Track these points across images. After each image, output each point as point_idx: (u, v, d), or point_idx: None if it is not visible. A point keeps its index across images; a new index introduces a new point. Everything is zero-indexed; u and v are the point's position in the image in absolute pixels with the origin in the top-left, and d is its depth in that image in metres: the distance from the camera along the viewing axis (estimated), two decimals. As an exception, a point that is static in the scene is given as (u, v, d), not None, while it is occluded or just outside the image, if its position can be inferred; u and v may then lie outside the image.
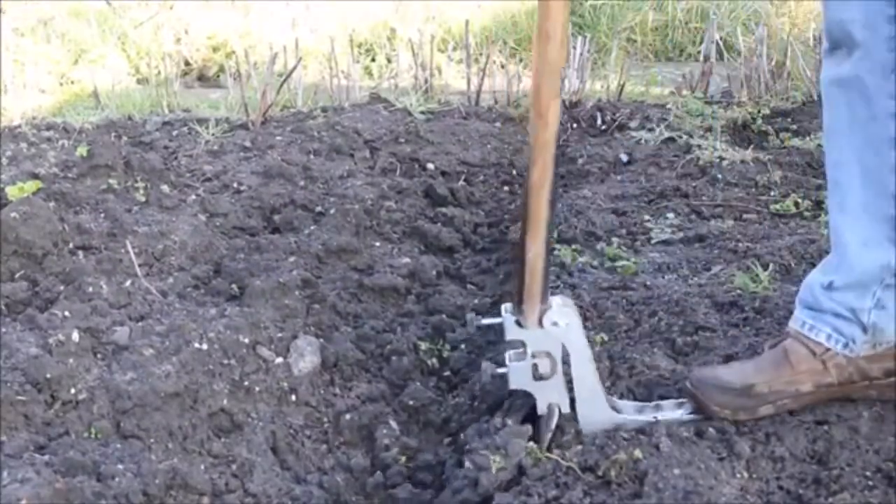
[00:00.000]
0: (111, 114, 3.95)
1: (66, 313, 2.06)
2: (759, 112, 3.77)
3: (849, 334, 1.71)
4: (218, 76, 5.37)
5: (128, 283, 2.29)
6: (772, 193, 2.98)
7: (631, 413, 1.76)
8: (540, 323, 1.68)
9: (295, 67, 3.97)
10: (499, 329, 1.73)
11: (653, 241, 2.67)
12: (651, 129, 3.66)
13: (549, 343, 1.70)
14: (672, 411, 1.76)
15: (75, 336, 1.94)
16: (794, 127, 3.64)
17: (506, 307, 1.72)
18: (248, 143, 3.44)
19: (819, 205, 2.85)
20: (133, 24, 5.44)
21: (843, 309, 1.70)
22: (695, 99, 4.02)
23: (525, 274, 1.66)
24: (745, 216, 2.83)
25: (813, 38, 4.25)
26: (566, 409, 1.73)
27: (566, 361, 1.72)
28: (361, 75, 4.88)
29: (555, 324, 1.69)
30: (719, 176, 3.13)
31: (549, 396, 1.72)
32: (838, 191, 1.71)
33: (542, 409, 1.73)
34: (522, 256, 1.66)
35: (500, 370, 1.74)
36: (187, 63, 5.45)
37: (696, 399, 1.74)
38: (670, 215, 2.85)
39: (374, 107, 3.88)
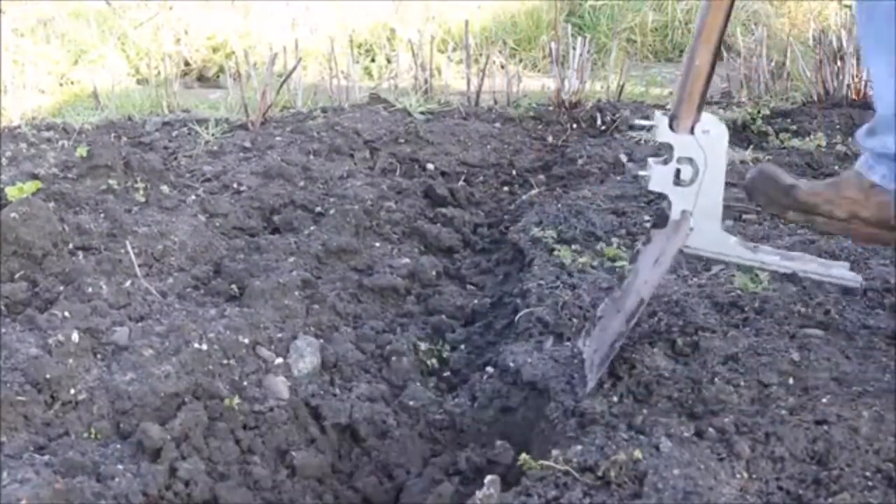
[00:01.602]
0: (111, 114, 3.95)
1: (66, 314, 2.06)
2: (758, 112, 3.77)
3: None
4: (218, 76, 5.37)
5: (128, 283, 2.29)
6: (771, 194, 2.98)
7: (735, 245, 1.85)
8: (691, 130, 1.76)
9: (295, 68, 3.97)
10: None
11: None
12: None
13: (695, 150, 1.77)
14: (769, 255, 1.87)
15: (75, 336, 1.94)
16: (794, 127, 3.64)
17: (659, 112, 1.82)
18: (247, 144, 3.44)
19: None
20: (133, 25, 5.45)
21: (886, 148, 1.78)
22: (694, 99, 4.02)
23: (689, 79, 1.74)
24: (744, 216, 2.83)
25: (812, 39, 4.25)
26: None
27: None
28: (361, 76, 4.89)
29: (706, 132, 1.76)
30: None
31: (684, 203, 1.79)
32: (870, 28, 1.79)
33: (675, 214, 1.80)
34: (690, 62, 1.73)
35: (642, 172, 1.82)
36: (187, 63, 5.45)
37: (749, 182, 1.87)
38: (670, 215, 2.85)
39: (374, 107, 3.88)
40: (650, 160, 1.81)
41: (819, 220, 1.83)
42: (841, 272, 1.89)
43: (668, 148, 1.79)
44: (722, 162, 1.78)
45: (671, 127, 1.77)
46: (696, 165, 1.78)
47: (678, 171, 1.78)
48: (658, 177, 1.79)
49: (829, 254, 2.38)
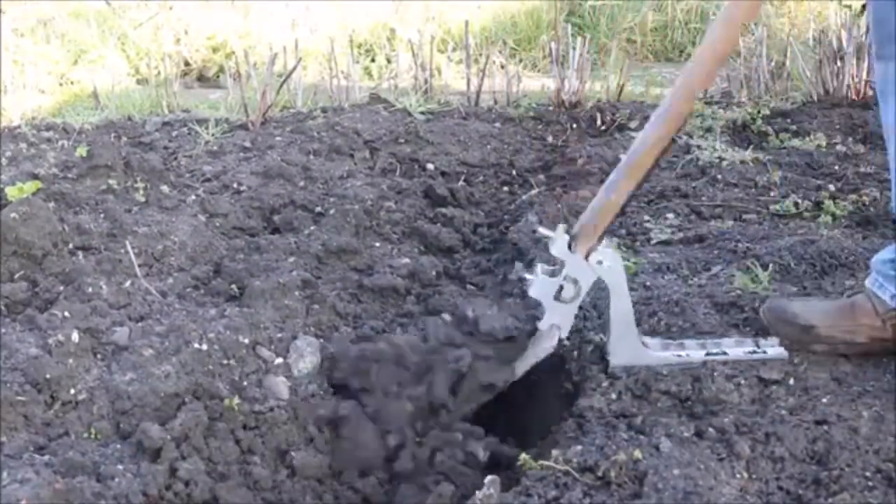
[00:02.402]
0: (111, 114, 3.95)
1: (66, 314, 2.06)
2: (758, 112, 3.77)
3: None
4: (218, 76, 5.37)
5: (127, 283, 2.29)
6: (772, 194, 2.99)
7: (657, 349, 1.90)
8: (587, 255, 1.81)
9: (295, 68, 3.97)
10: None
11: (652, 242, 2.67)
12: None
13: (585, 275, 1.82)
14: (694, 350, 1.90)
15: (75, 336, 1.94)
16: (794, 127, 3.64)
17: (563, 227, 1.84)
18: (247, 144, 3.44)
19: (818, 205, 2.85)
20: (133, 25, 5.45)
21: None
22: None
23: (600, 209, 1.79)
24: (745, 216, 2.83)
25: (812, 39, 4.25)
26: (564, 336, 1.87)
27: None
28: (361, 76, 4.88)
29: (599, 262, 1.81)
30: (719, 176, 3.13)
31: (556, 318, 1.85)
32: None
33: (544, 325, 1.86)
34: (607, 193, 1.78)
35: (528, 275, 1.86)
36: (187, 63, 5.45)
37: (766, 323, 1.95)
38: (670, 215, 2.85)
39: (374, 107, 3.88)
40: (539, 266, 1.85)
41: (842, 348, 1.92)
42: (772, 351, 1.92)
43: (560, 263, 1.83)
44: (624, 287, 1.85)
45: (569, 246, 1.81)
46: (578, 287, 1.83)
47: (561, 287, 1.83)
48: (541, 285, 1.83)
49: (829, 254, 2.38)
